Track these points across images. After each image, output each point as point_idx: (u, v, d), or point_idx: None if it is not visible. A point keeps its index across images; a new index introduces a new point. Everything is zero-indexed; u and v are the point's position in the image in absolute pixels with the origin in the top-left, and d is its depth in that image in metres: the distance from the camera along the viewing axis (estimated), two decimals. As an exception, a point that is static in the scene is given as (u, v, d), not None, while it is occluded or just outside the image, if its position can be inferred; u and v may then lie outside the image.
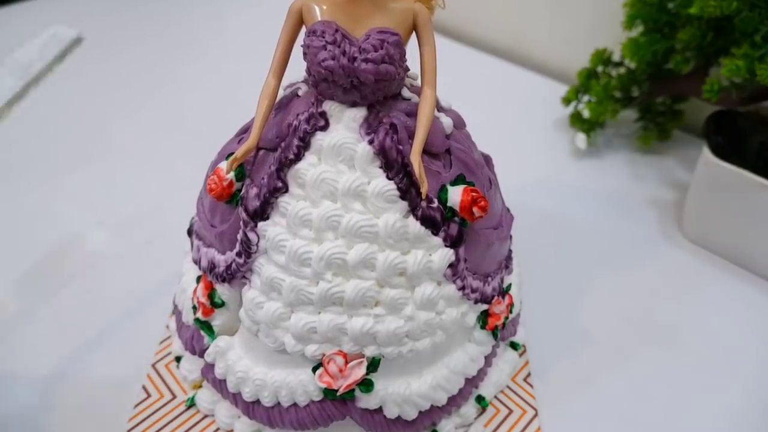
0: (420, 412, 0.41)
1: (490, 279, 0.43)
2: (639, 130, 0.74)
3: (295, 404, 0.40)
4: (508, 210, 0.48)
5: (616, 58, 0.72)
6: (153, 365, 0.48)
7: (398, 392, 0.40)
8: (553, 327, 0.52)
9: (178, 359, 0.48)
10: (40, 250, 0.59)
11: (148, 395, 0.46)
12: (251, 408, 0.41)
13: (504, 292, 0.45)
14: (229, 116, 0.78)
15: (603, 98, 0.70)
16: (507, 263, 0.47)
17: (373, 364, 0.39)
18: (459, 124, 0.43)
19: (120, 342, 0.50)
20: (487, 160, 0.47)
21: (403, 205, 0.37)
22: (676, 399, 0.48)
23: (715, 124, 0.58)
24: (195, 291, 0.43)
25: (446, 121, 0.40)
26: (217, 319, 0.43)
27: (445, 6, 0.38)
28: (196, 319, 0.43)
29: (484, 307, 0.42)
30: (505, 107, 0.81)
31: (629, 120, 0.75)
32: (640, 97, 0.71)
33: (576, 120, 0.73)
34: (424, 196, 0.36)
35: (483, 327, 0.43)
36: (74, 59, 0.89)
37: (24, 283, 0.56)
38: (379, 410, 0.40)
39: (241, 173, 0.39)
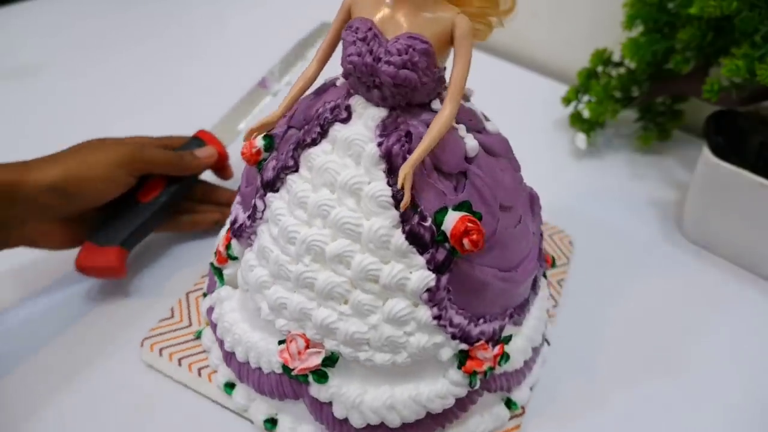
0: (369, 425, 0.41)
1: (481, 321, 0.40)
2: (639, 130, 0.74)
3: (260, 368, 0.42)
4: (542, 262, 0.45)
5: (616, 58, 0.71)
6: (186, 293, 0.53)
7: (349, 397, 0.40)
8: (552, 327, 0.52)
9: (204, 295, 0.51)
10: (39, 250, 0.59)
11: (172, 316, 0.51)
12: (228, 357, 0.45)
13: (498, 341, 0.41)
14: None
15: (603, 98, 0.70)
16: (515, 313, 0.42)
17: (331, 359, 0.39)
18: (497, 151, 0.41)
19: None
20: (533, 199, 0.44)
21: (395, 214, 0.36)
22: (675, 399, 0.48)
23: (715, 124, 0.58)
24: (221, 239, 0.46)
25: (471, 144, 0.38)
26: (229, 269, 0.46)
27: (504, 26, 0.36)
28: (211, 264, 0.47)
29: (465, 346, 0.40)
30: (505, 107, 0.80)
31: (629, 120, 0.75)
32: (640, 97, 0.70)
33: (576, 120, 0.73)
34: (402, 209, 0.35)
35: (459, 367, 0.40)
36: (74, 59, 0.89)
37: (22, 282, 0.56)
38: (330, 404, 0.41)
39: (270, 145, 0.41)
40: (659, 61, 0.66)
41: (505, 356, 0.41)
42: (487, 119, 0.42)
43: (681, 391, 0.49)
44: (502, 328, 0.41)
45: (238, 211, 0.44)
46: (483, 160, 0.39)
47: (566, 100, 0.74)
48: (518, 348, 0.44)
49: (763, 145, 0.56)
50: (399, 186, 0.34)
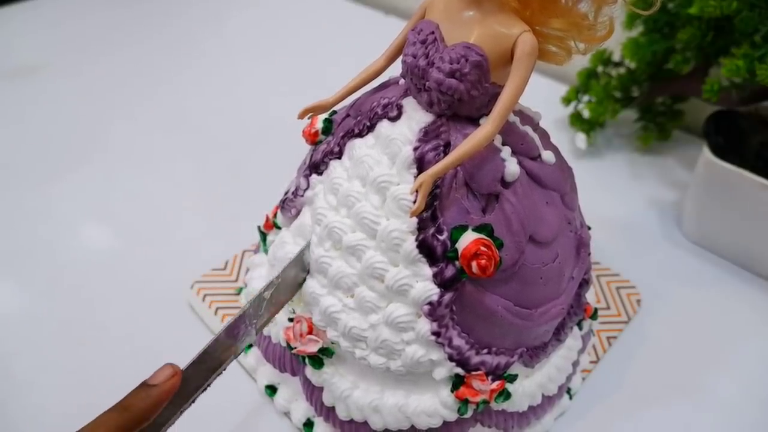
0: (352, 420, 0.41)
1: (485, 351, 0.38)
2: (639, 130, 0.74)
3: (269, 336, 0.45)
4: (578, 311, 0.43)
5: (616, 58, 0.72)
6: (243, 251, 0.56)
7: (339, 387, 0.40)
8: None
9: None
10: (40, 250, 0.59)
11: (224, 268, 0.55)
12: None
13: (499, 376, 0.39)
14: (228, 115, 0.78)
15: (603, 98, 0.70)
16: (527, 354, 0.40)
17: (327, 351, 0.40)
18: (547, 182, 0.38)
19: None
20: (581, 242, 0.42)
21: (413, 220, 0.35)
22: (675, 399, 0.48)
23: (715, 124, 0.58)
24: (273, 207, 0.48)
25: (511, 168, 0.36)
26: (271, 236, 0.47)
27: (586, 53, 0.35)
28: (259, 227, 0.48)
29: (461, 371, 0.38)
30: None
31: (629, 120, 0.75)
32: (640, 97, 0.70)
33: (576, 120, 0.73)
34: (410, 215, 0.35)
35: (452, 390, 0.39)
36: (74, 59, 0.89)
37: (22, 283, 0.56)
38: (321, 389, 0.42)
39: (328, 128, 0.42)
40: (659, 61, 0.66)
41: (504, 394, 0.40)
42: (545, 148, 0.39)
43: (679, 391, 0.49)
44: (508, 365, 0.39)
45: (291, 184, 0.45)
46: (523, 188, 0.37)
47: (566, 100, 0.74)
48: (524, 391, 0.42)
49: (763, 145, 0.56)
50: (411, 192, 0.34)
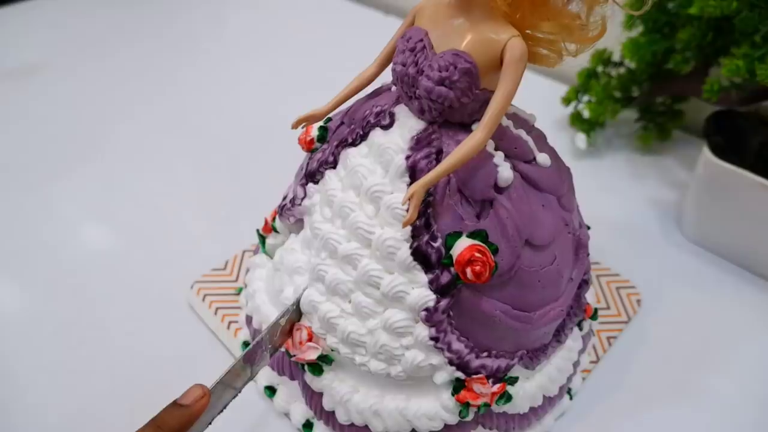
0: (352, 424, 0.41)
1: (485, 354, 0.38)
2: (639, 130, 0.74)
3: None
4: (578, 311, 0.43)
5: (616, 58, 0.71)
6: (243, 251, 0.57)
7: (339, 392, 0.41)
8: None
9: None
10: (40, 250, 0.59)
11: (224, 268, 0.55)
12: (248, 319, 0.48)
13: (499, 379, 0.39)
14: (229, 116, 0.78)
15: (603, 98, 0.70)
16: (527, 356, 0.40)
17: (326, 359, 0.40)
18: (543, 185, 0.38)
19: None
20: (579, 244, 0.42)
21: (407, 229, 0.35)
22: (675, 399, 0.48)
23: (715, 124, 0.58)
24: (272, 211, 0.48)
25: (505, 174, 0.36)
26: (270, 239, 0.48)
27: (577, 55, 0.34)
28: (257, 230, 0.49)
29: (461, 375, 0.38)
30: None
31: (629, 120, 0.75)
32: (640, 97, 0.70)
33: (576, 120, 0.73)
34: (402, 226, 0.34)
35: (453, 394, 0.39)
36: (74, 59, 0.89)
37: (22, 282, 0.56)
38: (321, 394, 0.42)
39: (323, 136, 0.42)
40: (659, 61, 0.66)
41: (505, 396, 0.40)
42: (540, 150, 0.39)
43: (679, 391, 0.49)
44: (508, 368, 0.39)
45: (288, 191, 0.45)
46: (517, 192, 0.37)
47: (566, 100, 0.74)
48: (525, 393, 0.42)
49: (763, 145, 0.56)
50: (403, 202, 0.34)
